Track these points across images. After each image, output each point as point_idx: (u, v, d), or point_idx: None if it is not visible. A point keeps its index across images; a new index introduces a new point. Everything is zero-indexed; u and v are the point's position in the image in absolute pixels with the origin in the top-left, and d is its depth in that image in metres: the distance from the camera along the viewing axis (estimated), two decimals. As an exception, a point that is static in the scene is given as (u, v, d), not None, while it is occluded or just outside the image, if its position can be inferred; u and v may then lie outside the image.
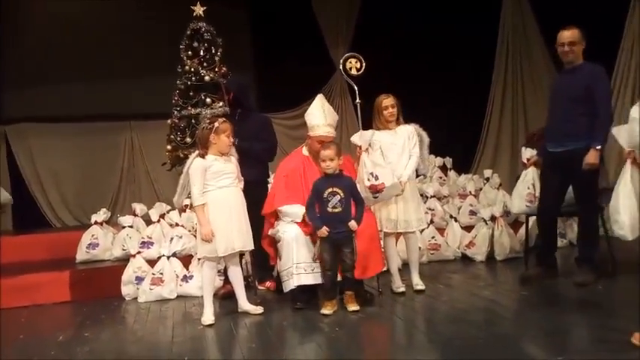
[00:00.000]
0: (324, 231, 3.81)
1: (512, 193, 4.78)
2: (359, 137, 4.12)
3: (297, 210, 4.03)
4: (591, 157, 3.88)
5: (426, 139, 4.24)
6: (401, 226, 4.15)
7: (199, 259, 4.62)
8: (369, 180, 3.97)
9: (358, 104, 4.28)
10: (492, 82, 8.28)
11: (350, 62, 4.23)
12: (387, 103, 4.19)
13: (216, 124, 3.83)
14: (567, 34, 4.09)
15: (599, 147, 3.88)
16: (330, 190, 3.86)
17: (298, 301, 4.00)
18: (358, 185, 4.06)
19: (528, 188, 4.54)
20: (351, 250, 3.86)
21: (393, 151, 4.14)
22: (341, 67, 4.27)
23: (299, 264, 3.96)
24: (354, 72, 4.23)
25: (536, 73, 7.74)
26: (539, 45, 7.66)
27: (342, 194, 3.85)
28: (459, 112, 8.02)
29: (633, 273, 4.29)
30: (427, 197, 5.81)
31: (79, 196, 8.18)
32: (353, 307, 3.85)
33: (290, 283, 3.97)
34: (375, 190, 3.97)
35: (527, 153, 4.74)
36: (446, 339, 3.20)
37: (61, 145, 8.08)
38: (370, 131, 4.19)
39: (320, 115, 4.17)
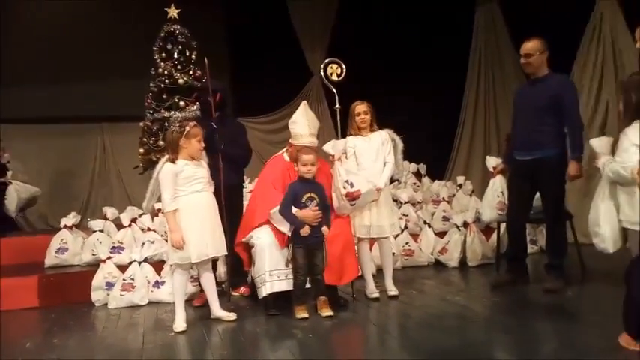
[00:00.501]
0: (307, 229, 3.81)
1: (482, 202, 4.83)
2: (332, 147, 4.13)
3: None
4: (573, 169, 3.98)
5: (400, 145, 4.28)
6: (374, 232, 4.17)
7: (171, 265, 4.61)
8: (344, 188, 3.98)
9: (338, 110, 4.30)
10: (465, 90, 8.37)
11: (331, 67, 4.28)
12: (360, 109, 4.21)
13: (187, 129, 3.77)
14: (525, 46, 4.22)
15: (578, 157, 3.97)
16: (307, 195, 3.88)
17: (272, 308, 3.99)
18: (334, 194, 4.07)
19: (498, 196, 4.63)
20: (323, 255, 3.89)
21: (367, 157, 4.17)
22: (322, 72, 4.28)
23: (272, 271, 3.94)
24: (334, 77, 4.28)
25: (508, 82, 7.84)
26: (510, 55, 7.76)
27: (317, 199, 3.89)
28: (432, 119, 8.10)
29: (602, 279, 4.40)
30: (401, 203, 5.85)
31: (49, 199, 7.99)
32: (327, 312, 3.85)
33: (263, 290, 3.95)
34: (352, 198, 3.98)
35: (492, 162, 4.82)
36: (418, 344, 3.23)
37: (30, 147, 7.89)
38: (343, 140, 4.22)
39: (304, 125, 4.16)
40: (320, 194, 3.92)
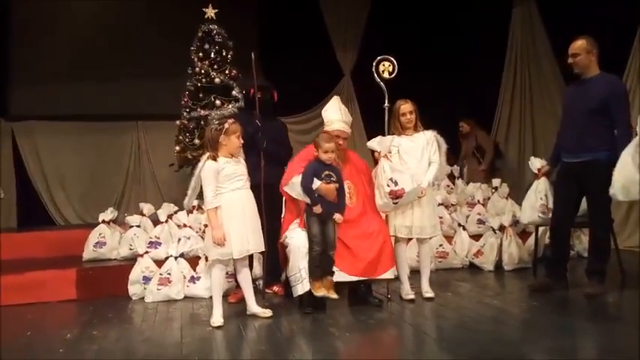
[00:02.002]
0: (319, 208, 3.91)
1: (522, 203, 4.75)
2: (377, 143, 4.12)
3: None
4: None
5: (444, 146, 4.24)
6: (415, 232, 4.14)
7: (206, 260, 4.64)
8: (388, 186, 3.97)
9: (387, 108, 4.29)
10: (501, 89, 8.28)
11: (383, 65, 4.27)
12: (405, 109, 4.19)
13: (226, 125, 3.79)
14: (572, 46, 4.12)
15: None
16: (327, 172, 3.99)
17: (307, 306, 3.99)
18: (377, 191, 4.07)
19: (541, 199, 4.51)
20: (334, 228, 3.96)
21: (412, 157, 4.14)
22: (374, 69, 4.27)
23: (307, 269, 3.94)
24: (386, 75, 4.25)
25: (545, 84, 7.72)
26: (548, 57, 7.66)
27: (335, 178, 3.99)
28: (467, 119, 8.00)
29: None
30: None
31: (84, 195, 8.17)
32: (332, 294, 3.86)
33: (299, 288, 3.96)
34: (395, 196, 3.97)
35: (537, 163, 4.71)
36: (457, 345, 3.19)
37: (67, 144, 8.10)
38: (389, 137, 4.20)
39: (337, 111, 4.26)
40: (338, 175, 4.02)
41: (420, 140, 4.19)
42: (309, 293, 3.96)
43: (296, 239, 4.00)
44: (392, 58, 4.33)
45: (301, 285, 3.95)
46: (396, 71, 4.30)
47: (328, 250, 3.94)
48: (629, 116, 4.08)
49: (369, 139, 4.41)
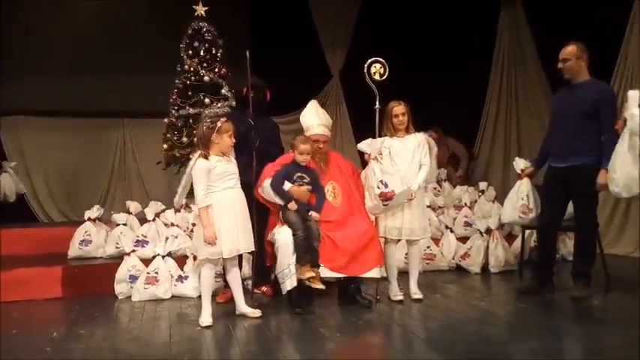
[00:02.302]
0: (294, 204, 3.96)
1: (504, 203, 4.77)
2: (368, 145, 4.14)
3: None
4: (602, 178, 3.93)
5: (434, 149, 4.27)
6: (405, 234, 4.16)
7: (194, 259, 4.61)
8: (378, 188, 3.99)
9: (377, 110, 4.30)
10: (487, 94, 8.35)
11: (374, 67, 4.28)
12: (398, 111, 4.21)
13: (218, 124, 3.77)
14: (562, 51, 4.18)
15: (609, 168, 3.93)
16: (299, 173, 4.05)
17: (297, 306, 3.99)
18: (367, 193, 4.08)
19: (522, 199, 4.54)
20: (315, 221, 3.99)
21: (403, 159, 4.16)
22: (365, 71, 4.28)
23: (294, 265, 3.93)
24: (377, 77, 4.26)
25: (531, 88, 7.81)
26: (534, 60, 7.74)
27: (307, 179, 4.05)
28: (452, 124, 8.07)
29: (627, 288, 4.37)
30: (422, 207, 5.82)
31: (68, 192, 8.09)
32: (318, 285, 3.89)
33: (288, 284, 3.94)
34: (386, 198, 3.98)
35: (521, 164, 4.74)
36: (445, 346, 3.21)
37: (51, 140, 7.99)
38: (379, 139, 4.22)
39: (314, 116, 4.31)
40: (312, 176, 4.07)
41: (411, 142, 4.21)
42: (299, 292, 3.95)
43: (283, 235, 4.00)
44: (383, 60, 4.35)
45: (290, 280, 3.94)
46: (387, 73, 4.32)
47: (312, 241, 3.94)
48: (614, 123, 4.14)
49: (357, 141, 4.43)
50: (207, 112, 5.82)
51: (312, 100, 4.52)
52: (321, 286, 3.89)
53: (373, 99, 4.34)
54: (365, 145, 4.16)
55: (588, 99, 4.04)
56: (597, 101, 4.01)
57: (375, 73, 4.27)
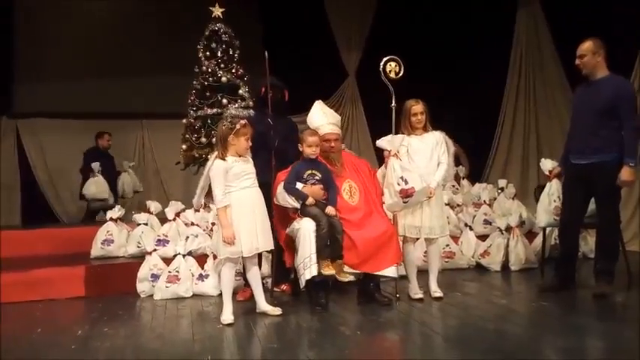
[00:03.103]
0: (312, 199, 3.98)
1: (537, 207, 4.71)
2: (388, 141, 4.14)
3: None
4: (625, 175, 3.90)
5: (452, 148, 4.26)
6: (424, 232, 4.15)
7: (214, 258, 4.65)
8: (398, 184, 3.99)
9: (394, 108, 4.30)
10: (505, 93, 8.29)
11: (390, 65, 4.27)
12: (417, 110, 4.21)
13: (237, 126, 3.80)
14: (579, 47, 4.14)
15: (632, 164, 3.89)
16: (309, 172, 4.07)
17: (318, 302, 4.00)
18: (386, 190, 4.08)
19: (554, 201, 4.50)
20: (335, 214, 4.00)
21: (421, 157, 4.15)
22: (381, 69, 4.28)
23: (316, 254, 3.93)
24: (392, 75, 4.26)
25: (549, 84, 7.75)
26: (552, 59, 7.68)
27: (319, 175, 4.07)
28: (470, 122, 8.03)
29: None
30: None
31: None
32: (345, 277, 3.92)
33: (308, 273, 3.92)
34: (406, 195, 3.98)
35: (549, 164, 4.70)
36: (468, 344, 3.20)
37: (71, 142, 8.08)
38: (400, 136, 4.21)
39: (321, 116, 4.31)
40: (323, 172, 4.08)
41: (429, 140, 4.21)
42: (318, 285, 3.96)
43: (305, 224, 4.00)
44: (398, 59, 4.35)
45: (309, 270, 3.92)
46: (402, 71, 4.31)
47: (335, 233, 3.95)
48: (634, 118, 4.10)
49: (374, 140, 4.43)
50: (228, 112, 5.86)
51: (317, 101, 4.49)
52: (349, 278, 3.92)
53: (389, 98, 4.33)
54: (385, 142, 4.17)
55: (606, 95, 4.00)
56: (615, 97, 3.97)
57: (390, 71, 4.27)
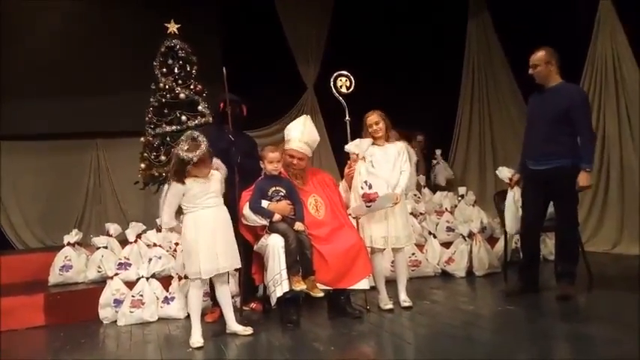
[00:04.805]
0: (278, 216, 3.96)
1: (505, 215, 4.78)
2: (355, 145, 4.17)
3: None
4: (583, 180, 4.02)
5: (414, 157, 4.33)
6: (391, 242, 4.18)
7: (180, 279, 4.56)
8: (362, 188, 4.01)
9: (348, 122, 4.34)
10: (459, 102, 8.49)
11: (340, 80, 4.32)
12: (372, 120, 4.26)
13: (194, 159, 3.62)
14: (532, 57, 4.27)
15: (589, 169, 4.02)
16: (273, 188, 4.06)
17: (289, 319, 3.97)
18: (352, 193, 4.10)
19: (520, 207, 4.58)
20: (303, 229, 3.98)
21: (384, 167, 4.18)
22: (332, 85, 4.31)
23: (286, 270, 3.90)
24: (344, 90, 4.30)
25: (502, 94, 7.97)
26: (504, 67, 7.92)
27: (283, 191, 4.06)
28: (427, 131, 8.17)
29: (609, 285, 4.46)
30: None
31: (43, 217, 7.86)
32: (317, 293, 3.90)
33: (279, 290, 3.88)
34: (369, 199, 4.00)
35: (506, 172, 4.77)
36: (442, 353, 3.22)
37: (23, 164, 7.77)
38: (367, 140, 4.24)
39: (298, 131, 4.26)
40: (286, 187, 4.08)
41: (391, 151, 4.26)
42: (289, 302, 3.92)
43: (273, 239, 3.96)
44: (348, 73, 4.40)
45: (280, 287, 3.88)
46: (353, 86, 4.37)
47: (304, 249, 3.93)
48: (589, 124, 4.25)
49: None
50: (187, 134, 5.74)
51: (305, 116, 4.46)
52: (321, 294, 3.89)
53: (344, 111, 4.37)
54: (353, 146, 4.20)
55: (560, 104, 4.13)
56: (569, 105, 4.10)
57: (341, 86, 4.34)
